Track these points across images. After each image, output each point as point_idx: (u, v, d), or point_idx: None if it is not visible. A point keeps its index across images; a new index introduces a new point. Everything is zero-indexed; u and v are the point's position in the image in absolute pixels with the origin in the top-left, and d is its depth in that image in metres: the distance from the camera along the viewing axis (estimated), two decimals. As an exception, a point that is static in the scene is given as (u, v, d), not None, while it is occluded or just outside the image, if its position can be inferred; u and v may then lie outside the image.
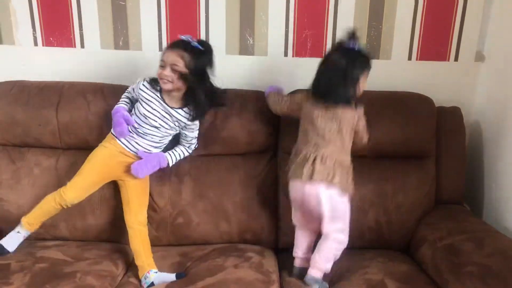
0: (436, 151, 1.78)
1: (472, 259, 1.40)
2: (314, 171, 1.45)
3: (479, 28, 1.89)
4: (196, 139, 1.69)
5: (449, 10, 1.86)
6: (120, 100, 1.65)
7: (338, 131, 1.48)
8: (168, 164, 1.64)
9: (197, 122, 1.64)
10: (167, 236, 1.74)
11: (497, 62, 1.84)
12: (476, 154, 1.92)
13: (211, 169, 1.75)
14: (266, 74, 1.92)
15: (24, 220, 1.60)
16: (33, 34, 1.91)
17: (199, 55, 1.52)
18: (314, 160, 1.47)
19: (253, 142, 1.76)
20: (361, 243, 1.68)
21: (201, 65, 1.53)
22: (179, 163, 1.69)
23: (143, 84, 1.59)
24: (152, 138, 1.60)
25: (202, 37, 1.88)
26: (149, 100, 1.57)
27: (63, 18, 1.88)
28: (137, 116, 1.59)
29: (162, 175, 1.70)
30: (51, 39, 1.91)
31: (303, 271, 1.51)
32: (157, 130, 1.59)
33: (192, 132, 1.66)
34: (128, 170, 1.58)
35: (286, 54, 1.91)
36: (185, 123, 1.61)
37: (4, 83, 1.78)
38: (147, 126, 1.58)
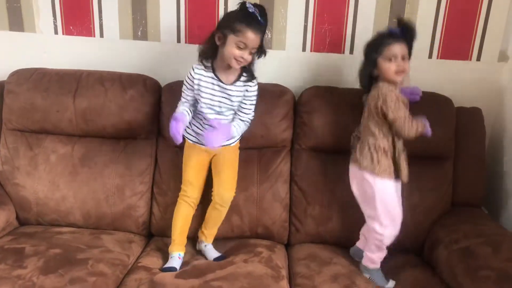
0: (455, 152, 1.74)
1: (489, 263, 1.37)
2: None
3: (504, 27, 1.83)
4: (253, 108, 1.61)
5: (473, 7, 1.81)
6: (180, 102, 1.60)
7: (367, 114, 1.51)
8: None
9: (255, 90, 1.59)
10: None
11: (522, 62, 1.79)
12: (496, 157, 1.87)
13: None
14: (284, 69, 1.91)
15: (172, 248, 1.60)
16: (54, 22, 1.93)
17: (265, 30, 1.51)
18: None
19: (268, 134, 1.75)
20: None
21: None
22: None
23: (197, 69, 1.54)
24: (220, 118, 1.59)
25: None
26: (207, 88, 1.53)
27: (83, 8, 1.90)
28: (201, 107, 1.56)
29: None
30: (71, 28, 1.93)
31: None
32: (223, 113, 1.58)
33: (251, 100, 1.59)
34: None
35: (304, 49, 1.89)
36: (244, 94, 1.57)
37: (24, 70, 1.80)
38: (212, 112, 1.56)
